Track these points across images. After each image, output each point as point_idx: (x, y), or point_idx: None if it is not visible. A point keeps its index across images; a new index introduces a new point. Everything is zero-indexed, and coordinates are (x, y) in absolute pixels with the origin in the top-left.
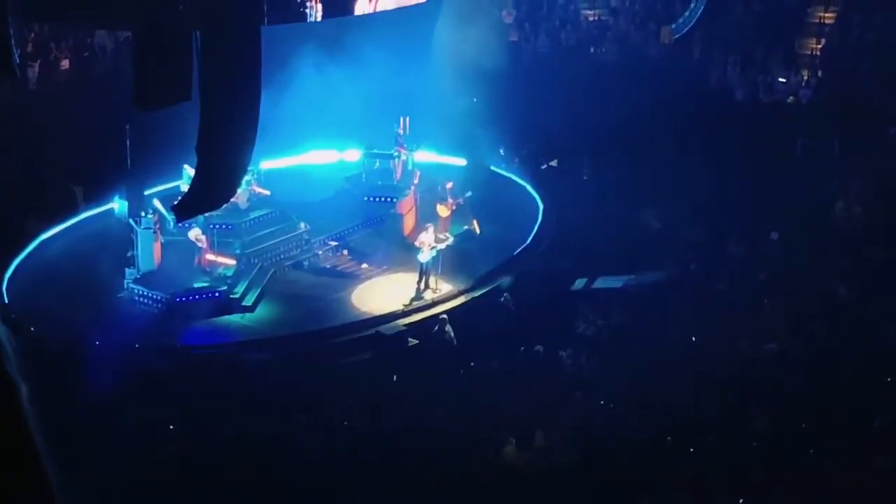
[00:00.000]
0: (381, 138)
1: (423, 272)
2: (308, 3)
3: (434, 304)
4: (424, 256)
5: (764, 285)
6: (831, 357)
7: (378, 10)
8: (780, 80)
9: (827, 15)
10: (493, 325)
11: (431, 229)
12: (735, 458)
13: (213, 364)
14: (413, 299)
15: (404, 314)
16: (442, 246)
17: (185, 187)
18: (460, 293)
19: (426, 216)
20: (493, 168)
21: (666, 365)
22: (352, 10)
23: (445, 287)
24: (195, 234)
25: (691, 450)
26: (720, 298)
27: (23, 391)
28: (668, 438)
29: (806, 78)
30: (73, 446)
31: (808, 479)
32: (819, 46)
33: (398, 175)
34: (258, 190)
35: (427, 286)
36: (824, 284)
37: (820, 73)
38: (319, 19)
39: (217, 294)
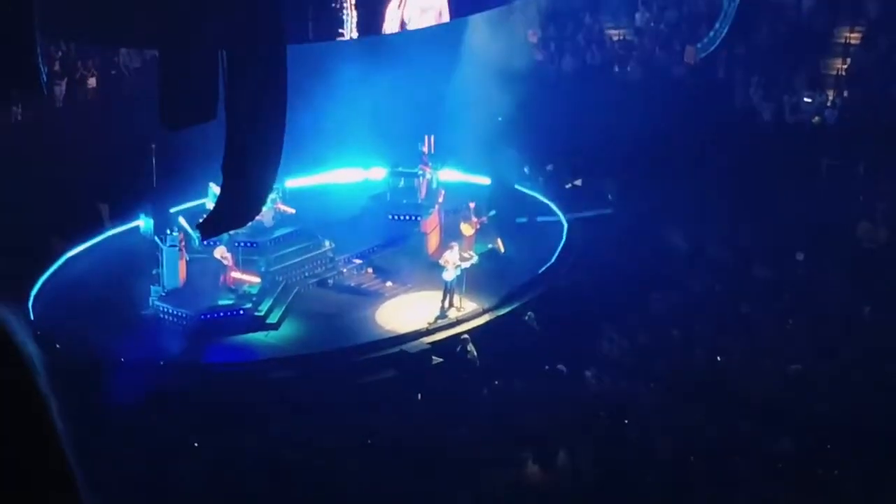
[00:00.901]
0: (405, 157)
1: (448, 291)
2: (344, 21)
3: (458, 322)
4: (449, 275)
5: (789, 306)
6: (856, 378)
7: (405, 29)
8: (806, 100)
9: (852, 35)
10: (516, 344)
11: (456, 248)
12: (760, 478)
13: (237, 382)
14: (437, 318)
15: (428, 333)
16: (466, 265)
17: (210, 205)
18: (484, 312)
19: (450, 235)
20: (517, 187)
21: (690, 385)
22: (379, 30)
23: (469, 306)
24: (221, 252)
25: (715, 470)
26: (745, 319)
27: (54, 407)
28: (692, 459)
29: (831, 98)
30: (97, 462)
31: (832, 501)
32: (845, 67)
33: (423, 194)
34: (283, 208)
35: (451, 305)
36: (849, 305)
37: (845, 94)
38: (355, 37)
39: (241, 312)
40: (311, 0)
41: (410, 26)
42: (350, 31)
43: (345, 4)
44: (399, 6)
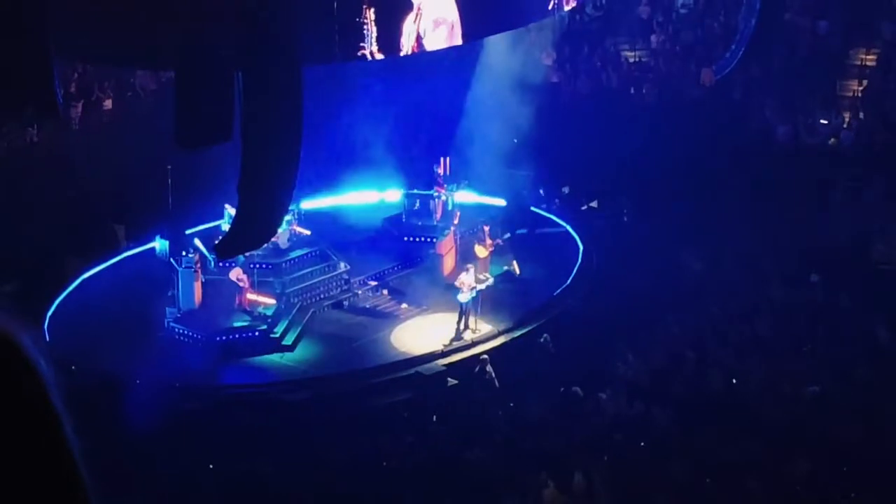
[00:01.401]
0: (421, 178)
1: (463, 313)
2: (365, 37)
3: (474, 344)
4: (464, 297)
5: (805, 327)
6: (874, 400)
7: (422, 46)
8: (822, 121)
9: (868, 57)
10: (532, 366)
11: (472, 270)
12: (777, 502)
13: (252, 403)
14: (453, 340)
15: (444, 355)
16: (482, 286)
17: (225, 227)
18: (500, 334)
19: (466, 256)
20: (532, 208)
21: (706, 407)
22: (398, 45)
23: (485, 328)
24: (236, 273)
25: (732, 493)
26: (761, 341)
27: (69, 425)
28: (708, 481)
29: (847, 120)
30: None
31: None
32: (861, 88)
33: (438, 215)
34: (299, 229)
35: (466, 327)
36: (866, 327)
37: (861, 115)
38: (377, 56)
39: (257, 333)
40: (334, 18)
41: (426, 41)
42: (371, 47)
43: (366, 21)
44: (415, 20)
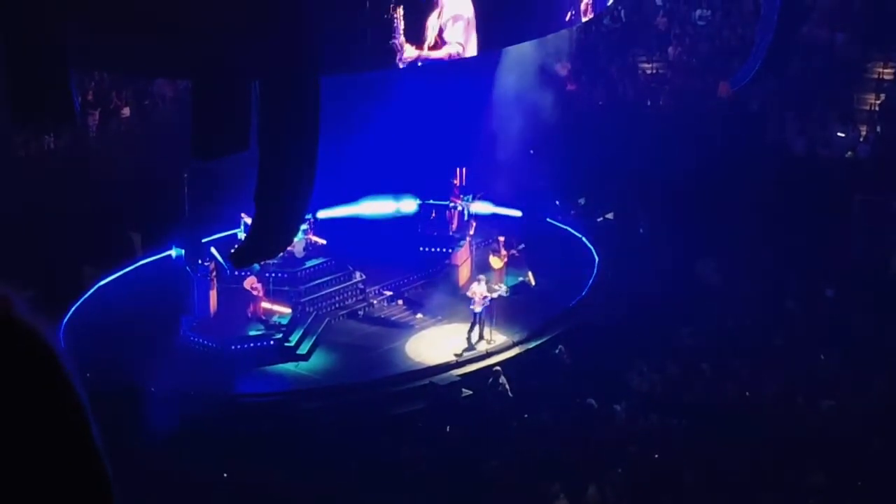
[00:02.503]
0: (437, 189)
1: (476, 323)
2: (395, 34)
3: (488, 355)
4: (477, 307)
5: (821, 340)
6: (888, 413)
7: (443, 40)
8: (839, 134)
9: (885, 70)
10: (546, 377)
11: (484, 281)
12: None
13: (267, 412)
14: (464, 350)
15: (458, 365)
16: (494, 295)
17: (242, 235)
18: (515, 345)
19: (481, 267)
20: (548, 220)
21: (721, 419)
22: (422, 40)
23: (500, 338)
24: (250, 282)
25: None
26: (777, 353)
27: (92, 416)
28: (723, 493)
29: (864, 133)
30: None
31: None
32: (878, 101)
33: (454, 226)
34: (314, 239)
35: (481, 337)
36: (881, 340)
37: (878, 128)
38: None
39: (272, 342)
40: (366, 16)
41: (446, 33)
42: (399, 39)
43: (395, 17)
44: (438, 16)
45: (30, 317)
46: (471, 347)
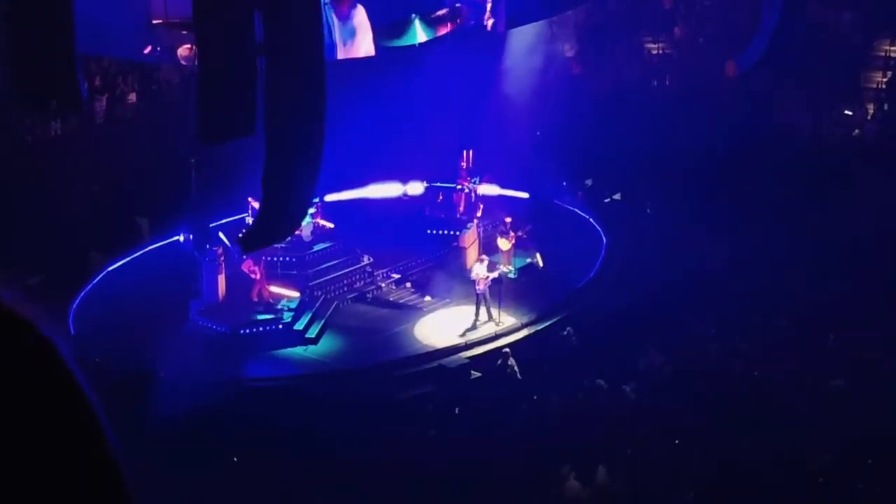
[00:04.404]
0: (444, 171)
1: (480, 303)
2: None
3: (497, 337)
4: (480, 287)
5: (829, 321)
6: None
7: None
8: (846, 113)
9: (892, 48)
10: (555, 359)
11: (486, 261)
12: (800, 494)
13: (275, 396)
14: (467, 330)
15: (467, 347)
16: (494, 275)
17: (249, 220)
18: (523, 326)
19: (489, 249)
20: (556, 201)
21: (729, 401)
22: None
23: (508, 320)
24: (248, 266)
25: (756, 487)
26: (785, 334)
27: (109, 437)
28: (732, 475)
29: (871, 112)
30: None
31: None
32: (885, 80)
33: (461, 208)
34: (322, 222)
35: (490, 318)
36: (890, 322)
37: (885, 107)
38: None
39: (280, 326)
40: None
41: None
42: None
43: None
44: None
45: (22, 308)
46: (472, 327)
